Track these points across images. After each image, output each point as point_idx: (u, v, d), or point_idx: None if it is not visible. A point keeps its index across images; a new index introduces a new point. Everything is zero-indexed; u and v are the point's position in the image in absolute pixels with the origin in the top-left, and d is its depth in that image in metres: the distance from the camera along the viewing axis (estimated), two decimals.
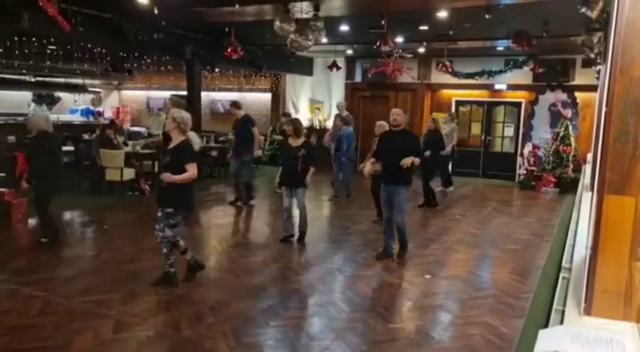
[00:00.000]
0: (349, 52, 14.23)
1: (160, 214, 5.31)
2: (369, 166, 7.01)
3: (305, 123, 15.95)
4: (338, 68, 13.74)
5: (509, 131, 14.29)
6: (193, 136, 5.41)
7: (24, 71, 14.38)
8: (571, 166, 12.26)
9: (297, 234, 7.39)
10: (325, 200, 10.77)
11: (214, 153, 13.57)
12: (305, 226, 7.42)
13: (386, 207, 6.63)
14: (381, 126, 7.98)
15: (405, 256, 6.68)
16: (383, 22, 8.56)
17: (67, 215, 8.87)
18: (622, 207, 1.96)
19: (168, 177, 5.14)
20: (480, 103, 14.56)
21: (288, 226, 7.40)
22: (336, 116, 12.11)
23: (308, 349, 4.15)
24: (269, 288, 5.50)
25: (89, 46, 11.04)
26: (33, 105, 16.49)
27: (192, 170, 5.23)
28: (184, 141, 5.29)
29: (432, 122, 10.41)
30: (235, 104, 10.04)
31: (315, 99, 16.48)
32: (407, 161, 6.21)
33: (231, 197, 10.01)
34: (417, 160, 6.31)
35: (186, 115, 5.37)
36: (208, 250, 7.27)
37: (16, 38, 9.80)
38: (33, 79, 15.38)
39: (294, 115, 16.32)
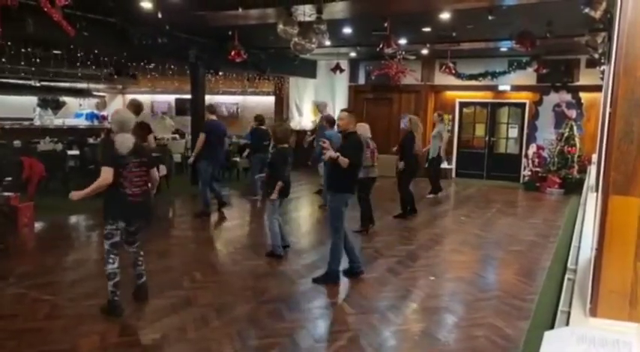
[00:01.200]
0: (352, 54, 14.23)
1: None
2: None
3: (309, 125, 16.04)
4: (341, 70, 13.76)
5: (514, 132, 14.26)
6: (121, 138, 4.58)
7: (29, 76, 14.47)
8: (576, 167, 12.23)
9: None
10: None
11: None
12: (270, 239, 6.75)
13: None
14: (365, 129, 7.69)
15: (324, 281, 5.71)
16: (386, 25, 8.58)
17: (73, 219, 8.90)
18: (627, 207, 1.95)
19: (73, 195, 4.55)
20: (483, 104, 14.55)
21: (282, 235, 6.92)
22: (322, 117, 11.85)
23: (313, 351, 4.15)
24: (274, 291, 5.51)
25: (94, 50, 11.10)
26: (38, 109, 16.62)
27: (102, 175, 4.51)
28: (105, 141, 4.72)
29: (408, 122, 9.43)
30: (208, 108, 9.53)
31: (319, 102, 16.49)
32: (329, 154, 5.53)
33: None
34: (342, 161, 5.48)
35: (120, 116, 4.72)
36: (214, 253, 7.29)
37: (21, 43, 9.86)
38: (38, 84, 15.48)
39: (297, 118, 16.39)
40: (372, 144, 7.89)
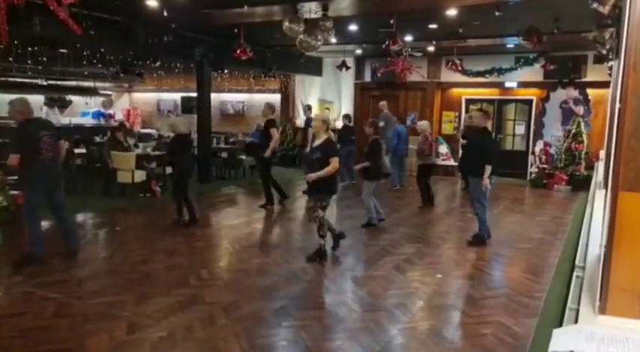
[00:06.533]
0: (358, 51, 14.21)
1: None
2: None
3: None
4: (347, 68, 13.74)
5: (521, 129, 14.19)
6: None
7: (36, 75, 14.50)
8: (583, 164, 12.15)
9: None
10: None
11: (224, 155, 13.60)
12: (368, 213, 8.19)
13: None
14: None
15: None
16: (392, 22, 8.55)
17: (80, 217, 8.93)
18: (637, 204, 1.93)
19: (309, 176, 6.39)
20: (490, 101, 14.47)
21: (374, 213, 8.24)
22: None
23: (320, 349, 4.15)
24: (281, 289, 5.51)
25: (100, 49, 11.12)
26: (45, 108, 16.68)
27: (333, 164, 6.22)
28: None
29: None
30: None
31: (325, 100, 16.48)
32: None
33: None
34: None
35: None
36: (220, 251, 7.30)
37: (28, 42, 9.89)
38: (45, 83, 15.51)
39: (303, 116, 16.40)
40: (430, 138, 9.88)
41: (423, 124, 10.21)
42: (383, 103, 13.52)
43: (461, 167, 7.60)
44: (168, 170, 8.97)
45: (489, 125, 7.83)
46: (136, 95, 20.71)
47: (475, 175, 7.15)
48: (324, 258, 6.44)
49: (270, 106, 9.95)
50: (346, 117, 13.23)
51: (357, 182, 11.33)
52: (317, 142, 6.49)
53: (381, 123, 12.71)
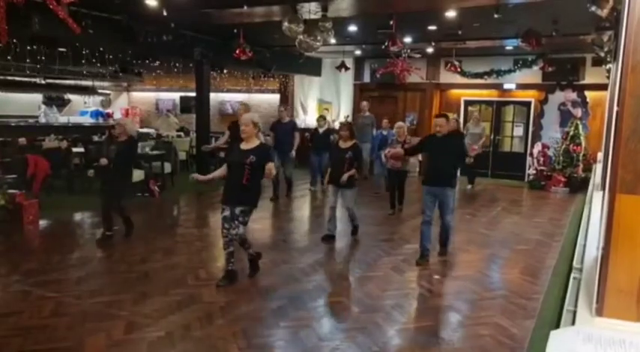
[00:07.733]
0: (358, 52, 14.22)
1: None
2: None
3: (314, 123, 16.02)
4: (346, 69, 13.73)
5: (519, 131, 14.20)
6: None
7: (34, 74, 14.49)
8: (581, 166, 12.18)
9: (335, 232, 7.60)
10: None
11: (222, 154, 13.58)
12: (356, 220, 7.64)
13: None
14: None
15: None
16: (391, 22, 8.55)
17: (78, 216, 8.92)
18: (635, 206, 1.94)
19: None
20: (489, 103, 14.49)
21: (332, 226, 7.49)
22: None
23: (318, 350, 4.15)
24: (279, 289, 5.51)
25: (99, 48, 11.11)
26: (43, 107, 16.66)
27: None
28: None
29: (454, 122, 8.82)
30: None
31: (324, 100, 16.47)
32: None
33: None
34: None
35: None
36: (218, 250, 7.29)
37: (26, 41, 9.88)
38: (43, 82, 15.49)
39: (302, 116, 16.38)
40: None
41: (405, 127, 9.59)
42: (365, 103, 13.42)
43: (434, 181, 6.53)
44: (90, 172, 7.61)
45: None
46: (135, 94, 20.66)
47: (452, 186, 6.65)
48: (257, 270, 5.94)
49: (247, 107, 9.42)
50: (323, 118, 12.08)
51: (318, 189, 11.33)
52: (249, 145, 5.58)
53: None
